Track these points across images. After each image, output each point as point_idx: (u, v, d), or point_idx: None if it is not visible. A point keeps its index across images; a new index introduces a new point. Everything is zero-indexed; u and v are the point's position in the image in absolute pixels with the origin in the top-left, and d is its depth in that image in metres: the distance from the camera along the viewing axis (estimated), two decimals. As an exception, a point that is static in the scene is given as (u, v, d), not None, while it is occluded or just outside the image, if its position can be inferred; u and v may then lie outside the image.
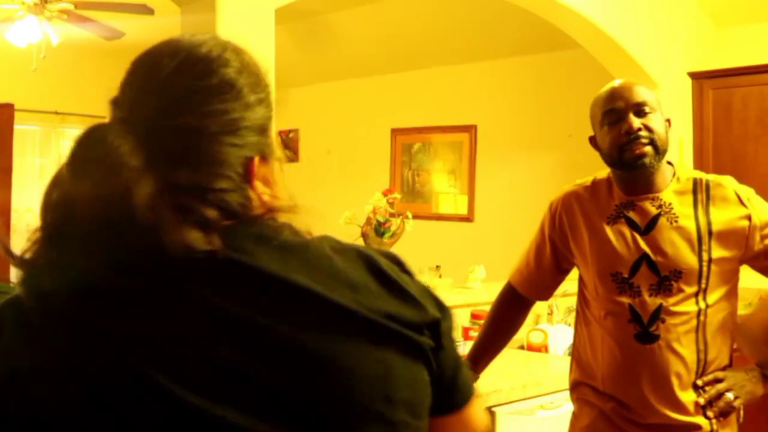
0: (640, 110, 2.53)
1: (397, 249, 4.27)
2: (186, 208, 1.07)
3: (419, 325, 1.17)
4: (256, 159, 1.19)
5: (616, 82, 2.63)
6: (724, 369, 2.58)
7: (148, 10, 6.17)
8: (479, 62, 7.79)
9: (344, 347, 1.10)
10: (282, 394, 1.07)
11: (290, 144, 9.18)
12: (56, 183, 1.10)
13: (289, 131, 9.13)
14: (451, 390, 1.25)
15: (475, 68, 7.86)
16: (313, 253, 1.17)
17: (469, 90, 7.96)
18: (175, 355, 1.05)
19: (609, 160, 2.60)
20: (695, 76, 6.07)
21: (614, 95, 2.57)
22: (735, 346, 2.63)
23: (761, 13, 6.11)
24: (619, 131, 2.53)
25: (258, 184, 1.19)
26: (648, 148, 2.51)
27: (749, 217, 2.53)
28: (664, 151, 2.55)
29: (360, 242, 4.35)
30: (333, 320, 1.11)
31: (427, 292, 1.23)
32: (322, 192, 8.95)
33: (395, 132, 8.57)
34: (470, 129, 7.94)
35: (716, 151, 5.90)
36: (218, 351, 1.05)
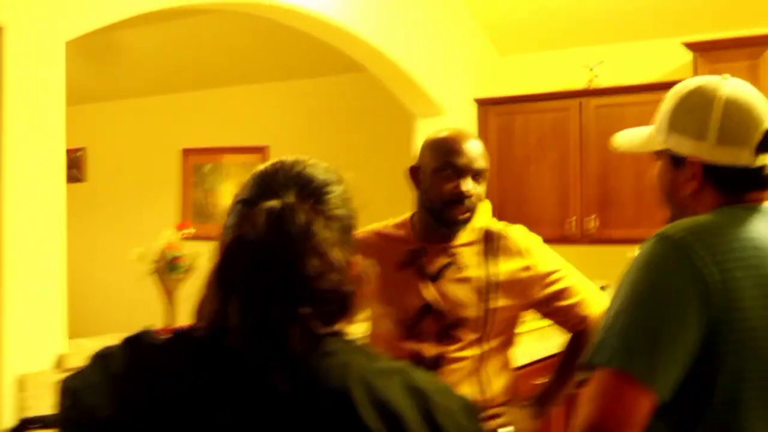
0: (477, 176, 2.59)
1: (192, 283, 4.21)
2: None
3: None
4: (356, 260, 1.40)
5: (466, 135, 2.65)
6: (502, 405, 2.68)
7: None
8: (270, 83, 7.80)
9: None
10: None
11: (76, 163, 8.89)
12: (240, 246, 1.27)
13: (76, 150, 8.84)
14: None
15: (266, 89, 7.86)
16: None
17: (260, 111, 7.95)
18: None
19: (429, 204, 2.63)
20: (480, 102, 6.31)
21: (461, 151, 2.58)
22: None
23: (541, 42, 6.42)
24: (452, 188, 2.56)
25: None
26: (466, 215, 2.58)
27: (532, 268, 2.64)
28: (472, 219, 2.63)
29: (153, 278, 4.27)
30: None
31: None
32: (110, 213, 8.72)
33: (186, 152, 8.44)
34: (262, 150, 7.92)
35: (500, 174, 6.13)
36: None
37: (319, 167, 1.40)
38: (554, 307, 2.70)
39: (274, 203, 1.28)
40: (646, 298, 1.65)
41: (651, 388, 1.59)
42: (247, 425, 1.21)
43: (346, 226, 1.37)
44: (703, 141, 1.79)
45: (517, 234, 2.71)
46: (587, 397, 1.62)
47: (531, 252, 2.67)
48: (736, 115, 1.78)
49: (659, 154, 1.92)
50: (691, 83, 1.88)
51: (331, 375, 1.23)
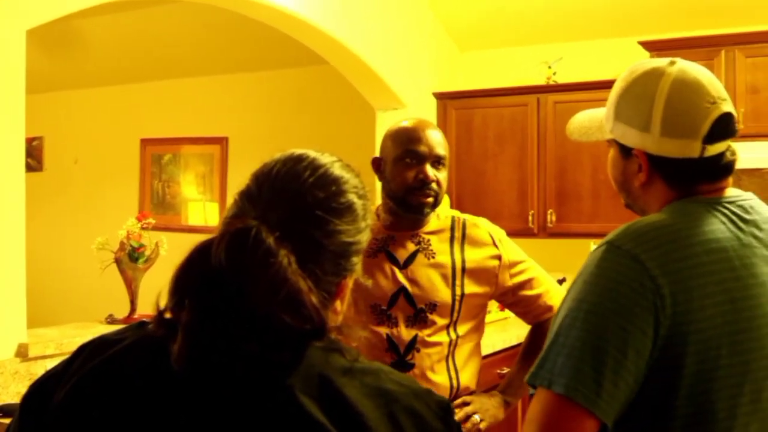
0: (437, 163, 2.64)
1: (153, 273, 4.23)
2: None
3: None
4: (348, 281, 1.32)
5: (425, 124, 2.71)
6: (471, 394, 2.75)
7: None
8: (231, 74, 7.78)
9: None
10: None
11: (34, 153, 8.81)
12: (202, 259, 1.18)
13: (33, 139, 8.77)
14: None
15: (226, 80, 7.85)
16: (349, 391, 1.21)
17: (220, 102, 7.93)
18: None
19: (392, 194, 2.67)
20: (439, 97, 6.36)
21: (421, 138, 2.64)
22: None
23: (500, 39, 6.47)
24: (415, 175, 2.61)
25: (338, 302, 1.32)
26: (431, 200, 2.63)
27: (500, 257, 2.72)
28: (439, 204, 2.69)
29: (113, 267, 4.27)
30: None
31: None
32: (68, 202, 8.66)
33: (145, 142, 8.41)
34: (221, 141, 7.92)
35: (459, 168, 6.19)
36: None
37: (331, 177, 1.32)
38: (520, 297, 2.78)
39: (247, 224, 1.20)
40: (593, 314, 1.55)
41: (595, 413, 1.50)
42: (194, 424, 1.18)
43: (343, 252, 1.30)
44: (647, 133, 1.68)
45: (486, 224, 2.80)
46: (531, 416, 1.55)
47: (500, 242, 2.75)
48: (681, 106, 1.67)
49: (610, 142, 1.81)
50: (637, 69, 1.75)
51: (290, 377, 1.18)
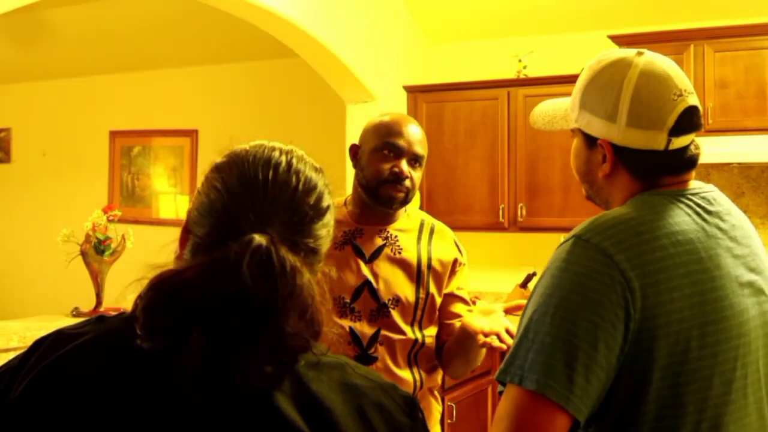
0: (413, 161, 2.64)
1: (120, 265, 4.19)
2: None
3: None
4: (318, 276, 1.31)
5: (408, 120, 2.71)
6: (439, 388, 2.77)
7: None
8: (201, 66, 7.74)
9: None
10: None
11: (1, 144, 8.74)
12: (218, 280, 1.15)
13: (0, 130, 8.69)
14: None
15: (196, 72, 7.80)
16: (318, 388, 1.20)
17: (190, 94, 7.88)
18: None
19: (364, 182, 2.67)
20: (410, 90, 6.34)
21: (402, 133, 2.64)
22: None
23: (471, 32, 6.47)
24: (390, 167, 2.61)
25: None
26: (401, 195, 2.62)
27: (457, 262, 2.74)
28: (409, 201, 2.69)
29: (79, 259, 4.23)
30: None
31: None
32: (36, 195, 8.59)
33: (114, 134, 8.35)
34: (191, 133, 7.88)
35: (429, 162, 6.10)
36: None
37: (313, 182, 1.31)
38: (448, 301, 2.74)
39: (260, 241, 1.17)
40: (562, 309, 1.53)
41: (567, 409, 1.48)
42: (163, 423, 1.16)
43: (322, 254, 1.32)
44: (613, 123, 1.67)
45: (451, 232, 2.81)
46: (501, 414, 1.53)
47: (461, 250, 2.77)
48: (648, 97, 1.66)
49: (574, 131, 1.80)
50: (605, 59, 1.74)
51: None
